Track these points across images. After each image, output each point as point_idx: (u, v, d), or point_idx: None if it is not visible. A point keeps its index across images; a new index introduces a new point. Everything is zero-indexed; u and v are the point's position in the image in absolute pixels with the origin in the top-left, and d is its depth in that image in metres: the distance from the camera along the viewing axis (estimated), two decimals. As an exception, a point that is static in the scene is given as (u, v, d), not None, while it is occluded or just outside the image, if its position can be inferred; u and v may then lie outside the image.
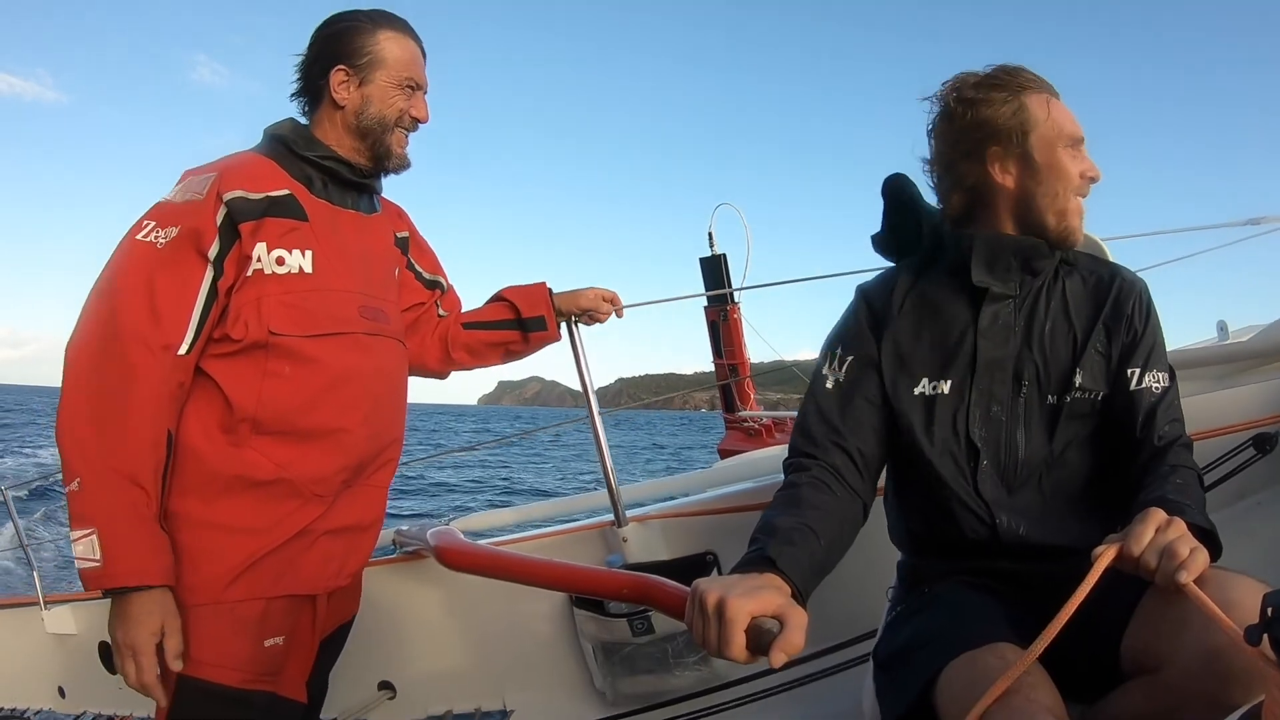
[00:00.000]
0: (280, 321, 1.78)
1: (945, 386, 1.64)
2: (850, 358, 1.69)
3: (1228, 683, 1.11)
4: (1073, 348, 1.62)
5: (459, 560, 2.18)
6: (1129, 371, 1.60)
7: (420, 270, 2.28)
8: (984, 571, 1.59)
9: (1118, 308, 1.65)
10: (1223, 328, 2.77)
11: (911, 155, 1.75)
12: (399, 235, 2.17)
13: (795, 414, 1.75)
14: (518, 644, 2.73)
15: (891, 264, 1.85)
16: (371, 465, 1.97)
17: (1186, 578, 1.17)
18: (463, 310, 2.39)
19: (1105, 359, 1.62)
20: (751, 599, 1.22)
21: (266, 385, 1.77)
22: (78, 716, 3.44)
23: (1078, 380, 1.60)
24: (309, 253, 1.84)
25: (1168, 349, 1.68)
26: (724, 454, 8.28)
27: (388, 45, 1.94)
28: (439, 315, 2.33)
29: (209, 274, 1.74)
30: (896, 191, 1.84)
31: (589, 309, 2.41)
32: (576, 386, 2.58)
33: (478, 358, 2.36)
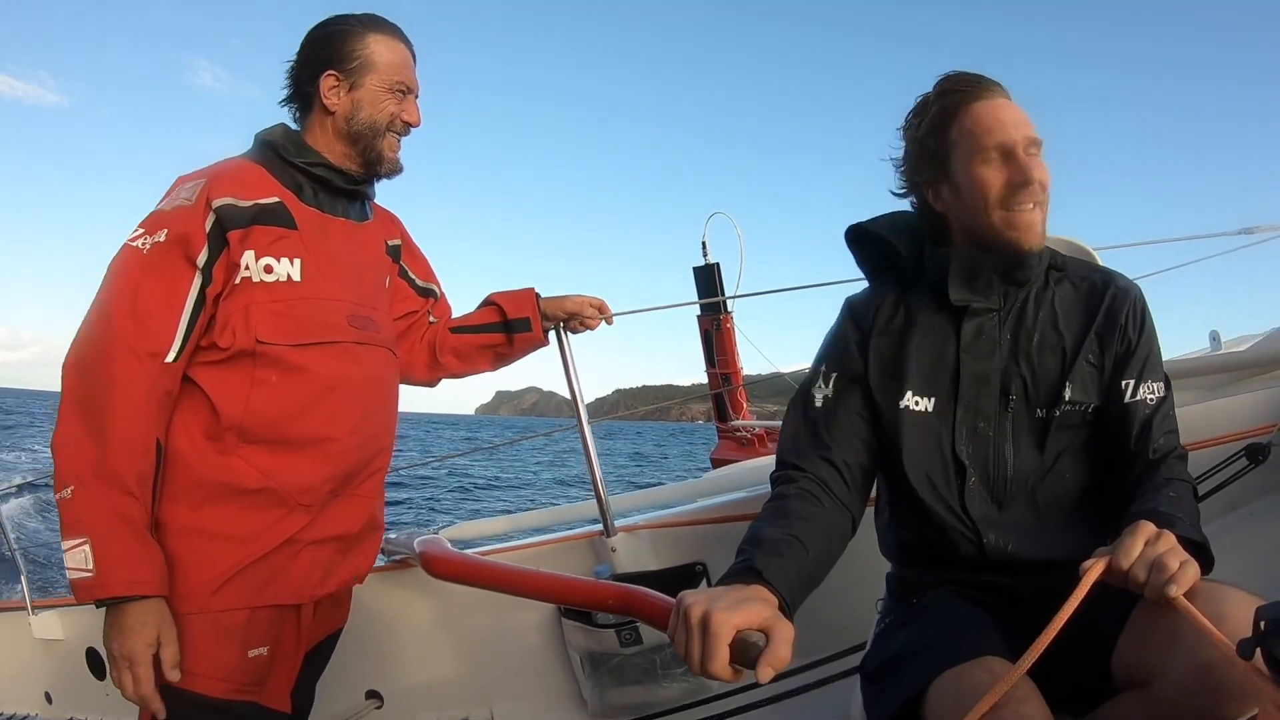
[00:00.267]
0: (268, 330, 1.76)
1: (930, 404, 1.62)
2: (835, 373, 1.68)
3: (1220, 697, 1.10)
4: (1062, 360, 1.60)
5: (445, 569, 2.16)
6: (1123, 384, 1.58)
7: (414, 278, 2.26)
8: (973, 584, 1.58)
9: (1111, 316, 1.62)
10: (1215, 338, 2.76)
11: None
12: (391, 243, 2.15)
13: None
14: (505, 654, 2.72)
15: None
16: (360, 475, 1.95)
17: (1176, 591, 1.15)
18: (452, 317, 2.37)
19: (1098, 370, 1.60)
20: (737, 612, 1.20)
21: (254, 394, 1.76)
22: (63, 722, 3.41)
23: (1067, 394, 1.57)
24: (297, 261, 1.82)
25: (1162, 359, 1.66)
26: (716, 463, 8.27)
27: (378, 49, 1.92)
28: (430, 322, 2.32)
29: (197, 281, 1.73)
30: (859, 238, 1.82)
31: (575, 312, 2.38)
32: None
33: (465, 362, 2.34)
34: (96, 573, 1.59)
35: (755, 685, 1.27)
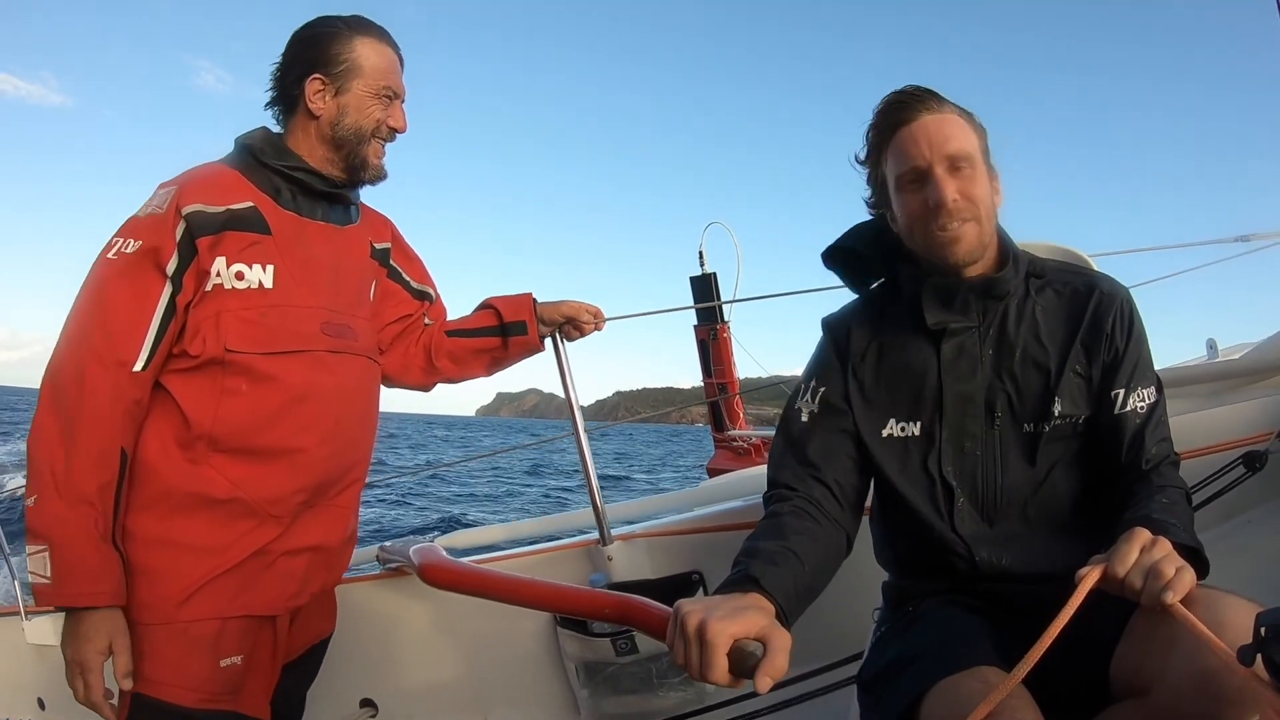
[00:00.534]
0: (237, 338, 1.75)
1: (914, 428, 1.61)
2: (823, 389, 1.67)
3: (1220, 704, 1.09)
4: (1047, 373, 1.57)
5: (442, 578, 2.15)
6: (1113, 394, 1.56)
7: (409, 280, 2.23)
8: (969, 593, 1.57)
9: (1096, 324, 1.59)
10: (1212, 345, 2.77)
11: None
12: (378, 246, 2.12)
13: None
14: (501, 662, 2.71)
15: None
16: (334, 486, 1.93)
17: (1173, 598, 1.15)
18: (448, 319, 2.35)
19: (1085, 380, 1.58)
20: (734, 621, 1.19)
21: (223, 402, 1.75)
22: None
23: (1056, 409, 1.55)
24: (270, 267, 1.81)
25: (1159, 369, 1.65)
26: (712, 473, 8.26)
27: (365, 53, 1.89)
28: (425, 325, 2.29)
29: (167, 289, 1.72)
30: (835, 256, 1.79)
31: (571, 316, 2.36)
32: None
33: (461, 366, 2.31)
34: (54, 581, 1.61)
35: (752, 695, 1.27)
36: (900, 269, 1.66)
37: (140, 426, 1.74)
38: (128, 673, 1.66)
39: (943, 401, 1.59)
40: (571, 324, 2.38)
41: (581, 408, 2.53)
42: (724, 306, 9.09)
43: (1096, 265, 1.92)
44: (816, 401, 1.66)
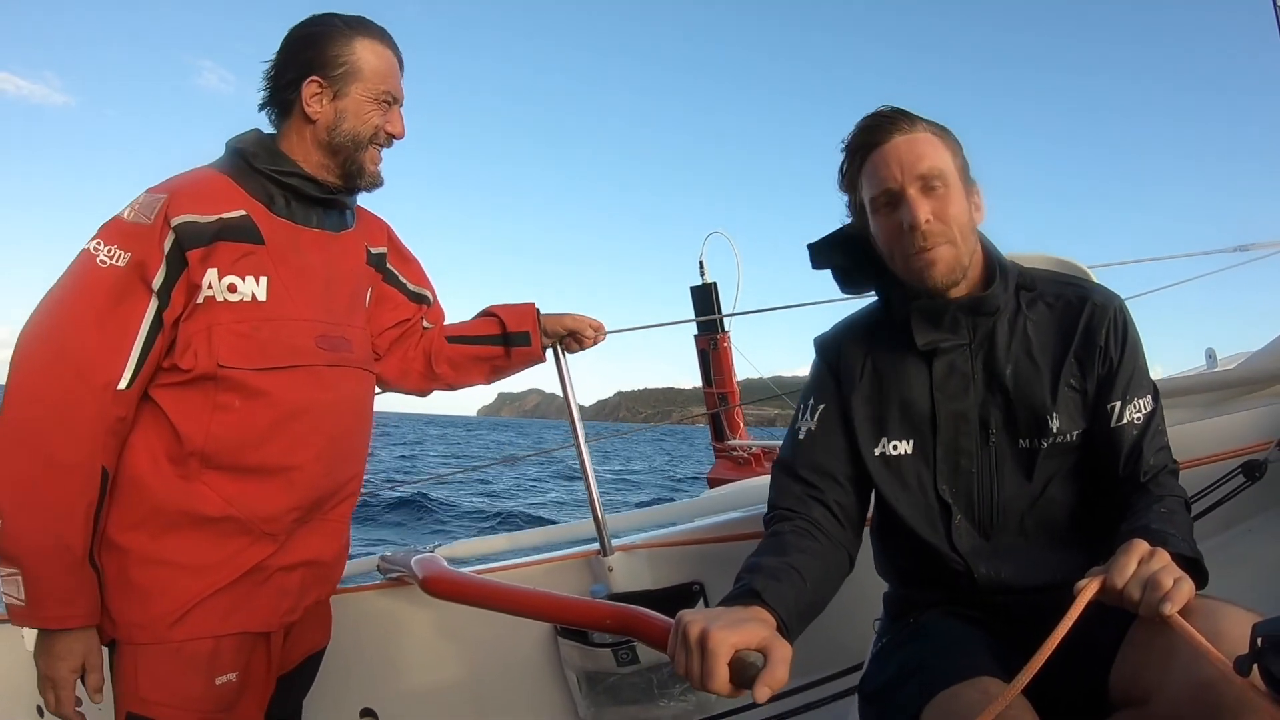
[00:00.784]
0: (229, 353, 1.69)
1: (908, 446, 1.61)
2: (821, 407, 1.67)
3: (1218, 714, 1.09)
4: (1041, 389, 1.56)
5: (444, 589, 2.15)
6: (1108, 406, 1.55)
7: (405, 283, 2.18)
8: (970, 604, 1.58)
9: (1089, 337, 1.58)
10: (1211, 355, 2.78)
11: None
12: (374, 251, 2.06)
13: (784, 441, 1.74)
14: (501, 672, 2.71)
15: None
16: (329, 501, 1.88)
17: (1171, 609, 1.15)
18: (446, 323, 2.32)
19: (1080, 394, 1.57)
20: (735, 631, 1.20)
21: (215, 418, 1.69)
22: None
23: (1054, 425, 1.55)
24: (264, 279, 1.74)
25: (1158, 378, 1.64)
26: (713, 483, 8.26)
27: (365, 55, 1.82)
28: (424, 328, 2.25)
29: (153, 304, 1.65)
30: (825, 262, 1.79)
31: (574, 329, 2.35)
32: (581, 400, 2.55)
33: (461, 373, 2.27)
34: (28, 604, 1.58)
35: (752, 706, 1.27)
36: (889, 288, 1.66)
37: (123, 442, 1.68)
38: (99, 688, 1.66)
39: (936, 420, 1.59)
40: (573, 336, 2.36)
41: (582, 414, 2.53)
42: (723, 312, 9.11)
43: (1095, 276, 1.92)
44: (815, 420, 1.67)
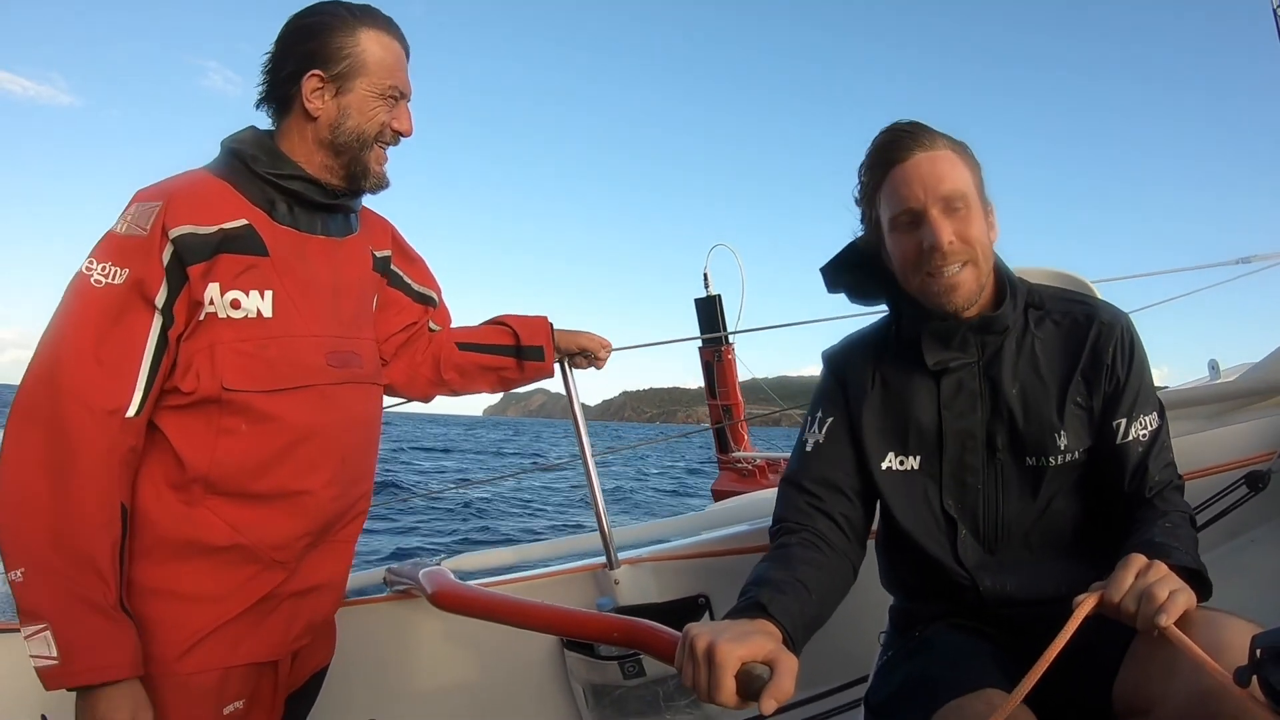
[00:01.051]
0: (235, 375, 1.58)
1: (915, 461, 1.61)
2: (830, 420, 1.67)
3: None
4: (1048, 408, 1.56)
5: (453, 602, 2.15)
6: (1114, 424, 1.55)
7: (411, 283, 2.07)
8: (975, 616, 1.58)
9: (1096, 356, 1.57)
10: (1214, 367, 2.78)
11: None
12: (379, 254, 1.94)
13: (790, 443, 1.75)
14: (508, 684, 2.71)
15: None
16: (340, 522, 1.80)
17: (1166, 620, 1.16)
18: (453, 325, 2.23)
19: (1086, 412, 1.57)
20: (742, 644, 1.21)
21: (220, 443, 1.59)
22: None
23: (1061, 443, 1.55)
24: (268, 293, 1.63)
25: (1162, 390, 1.64)
26: (717, 495, 8.25)
27: (370, 47, 1.69)
28: (430, 330, 2.16)
29: (157, 322, 1.54)
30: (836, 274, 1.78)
31: (588, 349, 2.34)
32: (584, 400, 2.55)
33: (468, 380, 2.20)
34: (62, 660, 1.42)
35: (759, 718, 1.27)
36: (901, 308, 1.66)
37: (135, 473, 1.57)
38: None
39: (942, 437, 1.59)
40: (583, 354, 2.35)
41: (587, 414, 2.54)
42: (728, 326, 9.13)
43: (1099, 291, 1.92)
44: (823, 433, 1.67)
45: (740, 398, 9.40)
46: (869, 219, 1.64)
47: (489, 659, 2.72)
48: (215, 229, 1.58)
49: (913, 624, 1.67)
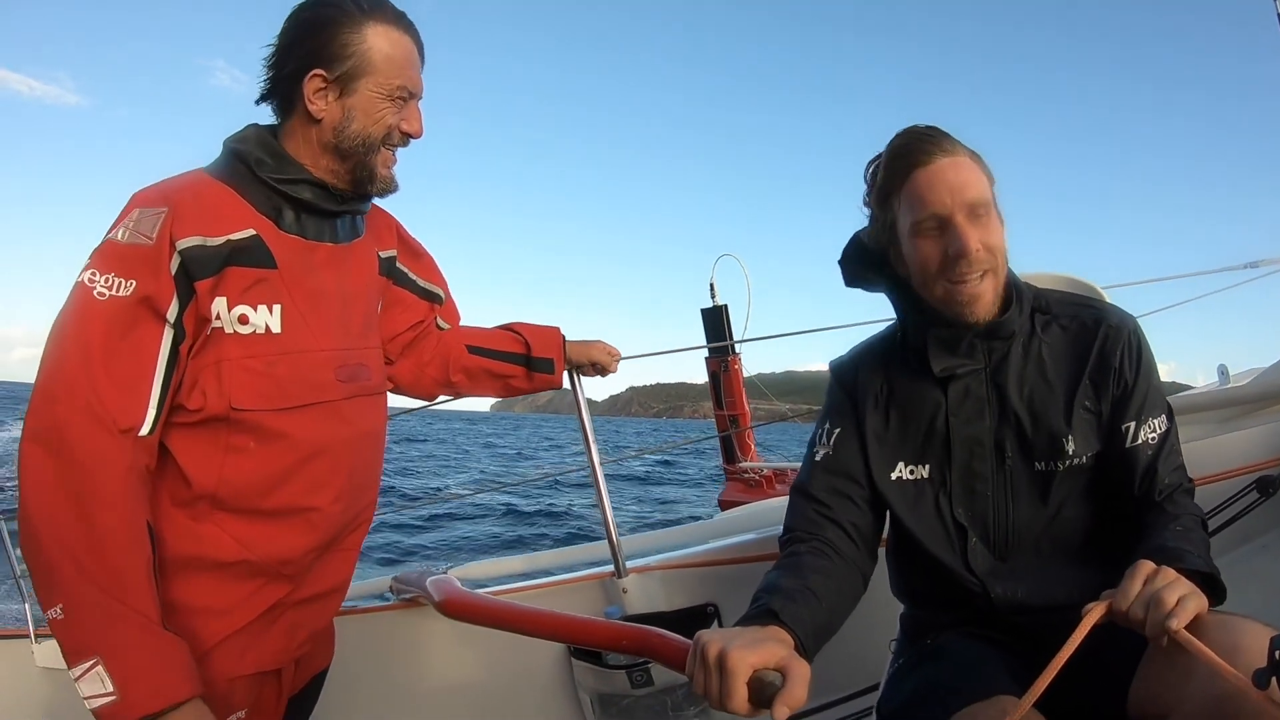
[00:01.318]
0: (244, 394, 1.53)
1: (924, 470, 1.61)
2: (837, 430, 1.67)
3: None
4: (1056, 413, 1.56)
5: (462, 610, 2.14)
6: (1123, 427, 1.54)
7: (416, 280, 2.01)
8: (986, 624, 1.57)
9: (1104, 359, 1.56)
10: (1224, 371, 2.77)
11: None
12: (384, 255, 1.89)
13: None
14: (514, 693, 2.70)
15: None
16: (345, 531, 1.77)
17: (1177, 624, 1.15)
18: (461, 324, 2.19)
19: (1095, 415, 1.56)
20: (753, 651, 1.21)
21: (229, 461, 1.54)
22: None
23: (1070, 448, 1.54)
24: (277, 308, 1.57)
25: (1174, 395, 1.63)
26: (724, 505, 8.24)
27: (377, 44, 1.59)
28: (439, 328, 2.12)
29: (168, 336, 1.47)
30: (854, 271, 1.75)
31: (599, 362, 2.33)
32: (591, 395, 2.53)
33: (475, 384, 2.18)
34: (120, 694, 1.32)
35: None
36: (907, 314, 1.65)
37: (152, 492, 1.49)
38: None
39: (950, 444, 1.58)
40: (592, 365, 2.34)
41: (595, 409, 2.53)
42: (734, 335, 9.13)
43: (1109, 297, 1.92)
44: (831, 443, 1.66)
45: (747, 407, 9.39)
46: (882, 222, 1.61)
47: (495, 668, 2.72)
48: (223, 240, 1.50)
49: (924, 632, 1.66)
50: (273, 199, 1.60)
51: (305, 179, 1.62)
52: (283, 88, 1.62)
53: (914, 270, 1.56)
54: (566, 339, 2.27)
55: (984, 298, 1.51)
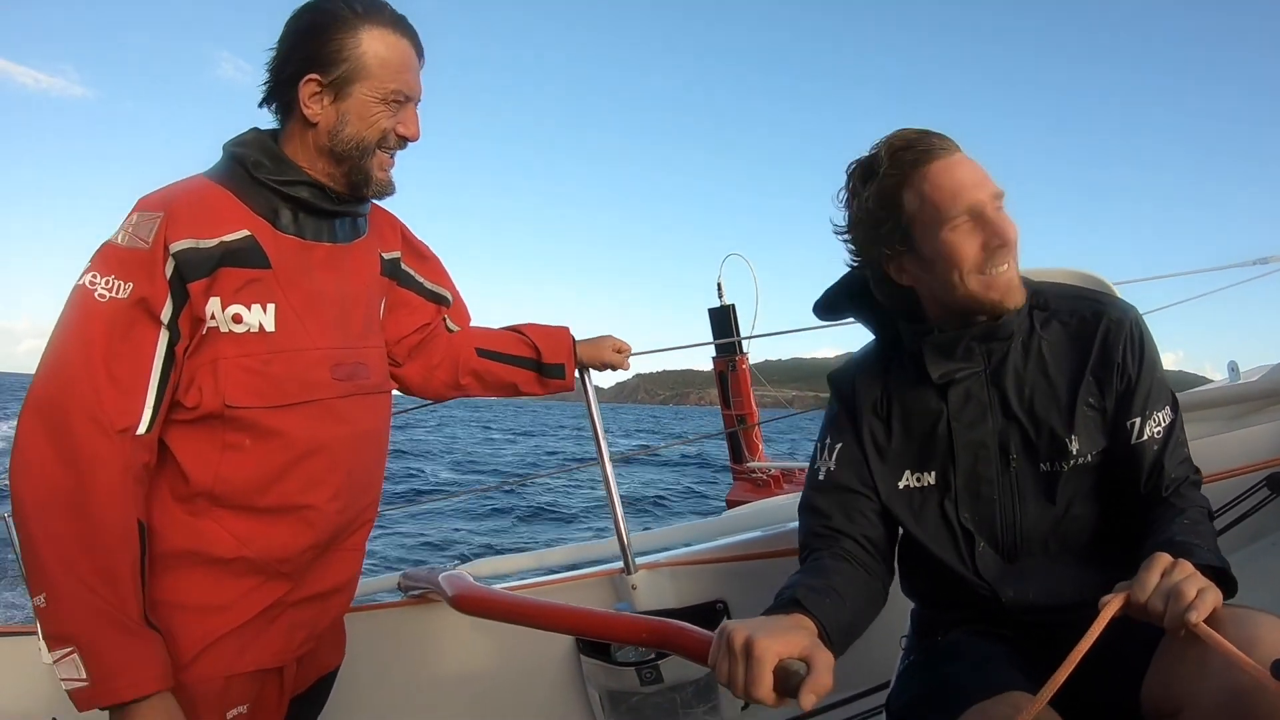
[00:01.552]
0: (238, 392, 1.56)
1: (930, 477, 1.60)
2: (839, 445, 1.65)
3: None
4: (1060, 411, 1.54)
5: (476, 605, 2.14)
6: (1128, 423, 1.52)
7: (423, 282, 2.02)
8: (997, 623, 1.57)
9: (1106, 354, 1.54)
10: (1234, 368, 2.77)
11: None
12: (387, 257, 1.90)
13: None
14: (524, 690, 2.70)
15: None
16: (345, 532, 1.78)
17: (1196, 617, 1.15)
18: (471, 324, 2.20)
19: (1100, 412, 1.54)
20: (778, 639, 1.21)
21: (225, 458, 1.57)
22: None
23: (1074, 447, 1.53)
24: (271, 307, 1.59)
25: (1183, 395, 1.62)
26: (732, 505, 8.22)
27: (372, 47, 1.60)
28: (449, 330, 2.12)
29: (164, 338, 1.51)
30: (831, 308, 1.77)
31: (609, 362, 2.33)
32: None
33: (486, 387, 2.19)
34: (92, 681, 1.41)
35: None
36: (898, 325, 1.64)
37: (148, 490, 1.54)
38: None
39: (954, 450, 1.57)
40: (607, 367, 2.35)
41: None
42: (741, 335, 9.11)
43: (1119, 292, 1.91)
44: (833, 459, 1.65)
45: (755, 406, 9.36)
46: (880, 222, 1.54)
47: (504, 664, 2.72)
48: (216, 242, 1.54)
49: (935, 629, 1.66)
50: (270, 200, 1.62)
51: (302, 180, 1.64)
52: (281, 92, 1.64)
53: (942, 269, 1.49)
54: (576, 339, 2.27)
55: (1015, 287, 1.49)
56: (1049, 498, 1.54)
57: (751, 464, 9.05)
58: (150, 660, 1.45)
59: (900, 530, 1.67)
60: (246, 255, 1.57)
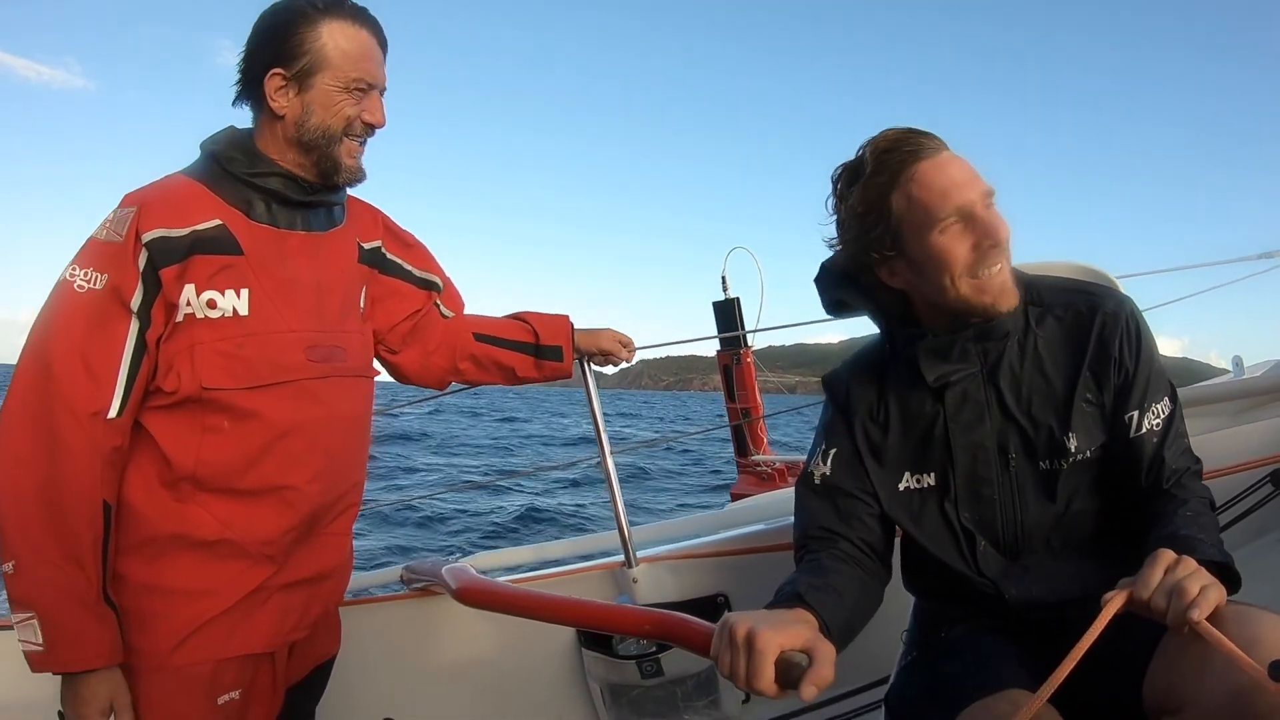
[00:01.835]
0: (214, 374, 1.62)
1: (929, 478, 1.58)
2: (834, 450, 1.64)
3: None
4: (1057, 409, 1.52)
5: (479, 598, 2.14)
6: (1127, 417, 1.51)
7: (410, 269, 2.06)
8: (999, 619, 1.57)
9: (1103, 348, 1.52)
10: (1238, 363, 2.76)
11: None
12: (366, 246, 1.94)
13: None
14: (524, 683, 2.71)
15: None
16: (328, 515, 1.81)
17: (1199, 615, 1.14)
18: (466, 310, 2.23)
19: (1098, 408, 1.53)
20: (781, 632, 1.22)
21: (205, 441, 1.63)
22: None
23: (1072, 444, 1.51)
24: (244, 292, 1.65)
25: (1185, 390, 1.61)
26: (736, 498, 8.21)
27: (333, 39, 1.66)
28: (444, 316, 2.16)
29: (134, 326, 1.58)
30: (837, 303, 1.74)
31: (608, 351, 2.33)
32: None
33: (483, 372, 2.21)
34: (46, 648, 1.53)
35: (785, 716, 1.28)
36: (892, 326, 1.62)
37: (122, 472, 1.62)
38: None
39: (952, 451, 1.56)
40: (605, 355, 2.34)
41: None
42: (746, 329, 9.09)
43: (1123, 286, 1.89)
44: (829, 463, 1.63)
45: (760, 399, 9.34)
46: (869, 225, 1.51)
47: (505, 658, 2.72)
48: (188, 231, 1.61)
49: (936, 625, 1.66)
50: (243, 192, 1.69)
51: (274, 171, 1.70)
52: (250, 89, 1.72)
53: (933, 271, 1.47)
54: (576, 328, 2.27)
55: (1009, 285, 1.47)
56: (1049, 496, 1.53)
57: (756, 457, 9.04)
58: (101, 637, 1.56)
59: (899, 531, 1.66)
60: (218, 242, 1.63)
